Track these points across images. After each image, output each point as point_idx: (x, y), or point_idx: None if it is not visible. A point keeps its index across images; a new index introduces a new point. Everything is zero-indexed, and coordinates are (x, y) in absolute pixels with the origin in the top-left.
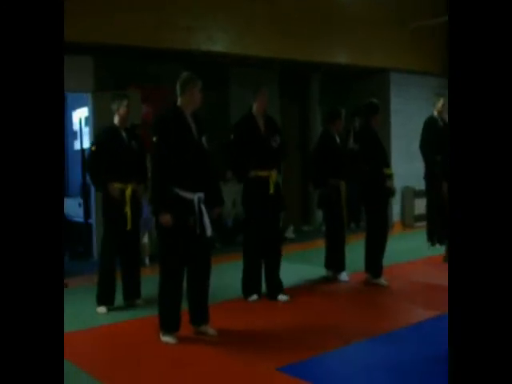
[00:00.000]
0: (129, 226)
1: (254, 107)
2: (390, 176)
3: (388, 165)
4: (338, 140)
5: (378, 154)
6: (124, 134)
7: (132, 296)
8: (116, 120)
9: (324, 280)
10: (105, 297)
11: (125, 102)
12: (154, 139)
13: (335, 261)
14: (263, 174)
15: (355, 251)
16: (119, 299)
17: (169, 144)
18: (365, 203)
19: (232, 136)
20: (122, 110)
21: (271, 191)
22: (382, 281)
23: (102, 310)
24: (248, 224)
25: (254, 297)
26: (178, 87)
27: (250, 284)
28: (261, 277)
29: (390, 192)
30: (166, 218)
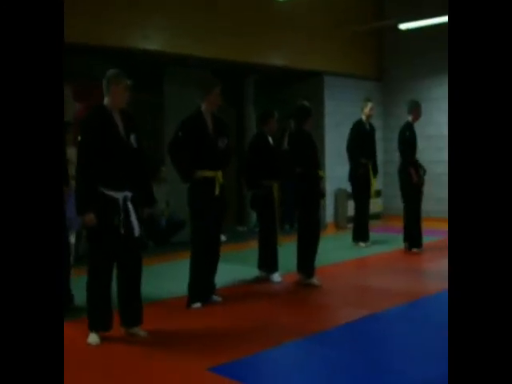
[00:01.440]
0: None
1: (204, 106)
2: (321, 178)
3: (320, 167)
4: (271, 141)
5: (310, 156)
6: None
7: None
8: None
9: (257, 280)
10: None
11: None
12: (79, 138)
13: (268, 261)
14: (209, 174)
15: (288, 252)
16: None
17: (92, 143)
18: (297, 204)
19: (180, 133)
20: None
21: (217, 193)
22: (315, 281)
23: None
24: (195, 227)
25: (198, 305)
26: (103, 85)
27: (196, 291)
28: (207, 283)
29: (321, 194)
30: (90, 218)
